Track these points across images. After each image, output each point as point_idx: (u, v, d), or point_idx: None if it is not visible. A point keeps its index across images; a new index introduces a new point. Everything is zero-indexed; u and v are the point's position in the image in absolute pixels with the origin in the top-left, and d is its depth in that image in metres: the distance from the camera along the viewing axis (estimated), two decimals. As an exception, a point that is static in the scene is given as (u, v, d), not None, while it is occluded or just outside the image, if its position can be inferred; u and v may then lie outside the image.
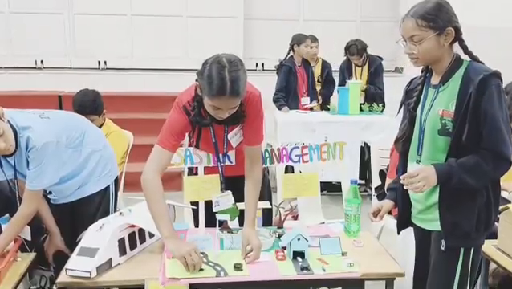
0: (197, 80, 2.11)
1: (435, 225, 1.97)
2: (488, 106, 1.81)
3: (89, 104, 3.13)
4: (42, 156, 2.19)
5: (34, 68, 6.39)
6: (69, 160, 2.38)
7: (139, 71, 6.38)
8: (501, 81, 1.86)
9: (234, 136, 2.34)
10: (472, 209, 1.90)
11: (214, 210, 2.32)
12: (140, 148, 3.43)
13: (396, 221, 2.23)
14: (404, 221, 2.16)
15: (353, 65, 5.28)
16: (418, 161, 2.00)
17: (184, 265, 1.99)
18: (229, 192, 2.39)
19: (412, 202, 2.07)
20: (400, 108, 2.17)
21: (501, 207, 2.44)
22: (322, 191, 2.71)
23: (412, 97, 2.04)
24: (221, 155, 2.39)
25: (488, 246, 2.44)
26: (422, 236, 2.08)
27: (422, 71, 2.04)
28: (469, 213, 1.90)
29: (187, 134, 2.40)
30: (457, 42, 1.92)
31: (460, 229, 1.91)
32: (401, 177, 1.92)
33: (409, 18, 1.88)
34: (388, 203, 2.22)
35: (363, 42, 5.19)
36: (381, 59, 5.37)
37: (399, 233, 2.21)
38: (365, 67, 5.26)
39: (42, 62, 6.41)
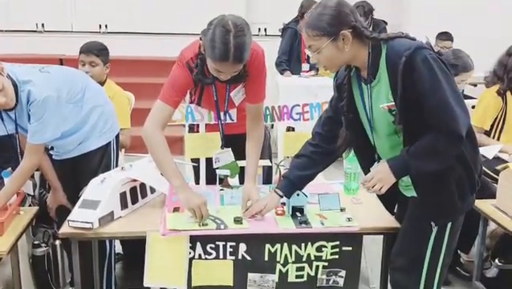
0: (201, 39, 2.08)
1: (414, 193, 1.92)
2: (421, 86, 1.68)
3: (96, 47, 3.07)
4: (43, 110, 2.19)
5: (35, 32, 6.34)
6: (70, 115, 2.38)
7: (140, 35, 6.32)
8: (431, 47, 1.73)
9: (237, 94, 2.33)
10: (448, 187, 1.82)
11: (214, 166, 2.33)
12: (141, 112, 3.41)
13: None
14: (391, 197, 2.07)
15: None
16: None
17: (192, 215, 2.02)
18: (229, 149, 2.39)
19: None
20: (330, 103, 2.05)
21: (500, 166, 2.46)
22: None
23: (343, 97, 1.92)
24: (222, 113, 2.39)
25: (486, 205, 2.47)
26: (404, 201, 2.02)
27: (345, 70, 1.91)
28: (448, 191, 1.83)
29: (188, 91, 2.40)
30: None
31: (443, 208, 1.87)
32: (360, 184, 1.89)
33: (304, 28, 1.78)
34: (273, 199, 2.08)
35: (369, 4, 5.10)
36: (385, 23, 5.31)
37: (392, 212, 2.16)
38: (369, 32, 5.19)
39: (43, 25, 6.35)
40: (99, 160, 2.51)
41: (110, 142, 2.56)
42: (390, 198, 2.08)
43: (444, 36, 5.29)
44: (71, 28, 6.37)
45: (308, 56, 5.63)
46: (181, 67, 2.17)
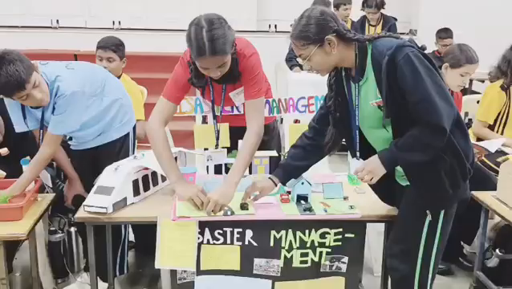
0: None
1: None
2: (403, 82, 1.76)
3: (114, 43, 3.17)
4: (68, 104, 2.31)
5: (50, 28, 6.48)
6: (91, 107, 2.48)
7: (152, 32, 6.43)
8: (414, 43, 1.80)
9: (237, 96, 2.40)
10: (439, 175, 1.89)
11: (206, 164, 2.43)
12: (152, 107, 3.52)
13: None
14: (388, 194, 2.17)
15: (367, 25, 5.28)
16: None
17: (192, 205, 2.10)
18: (225, 149, 2.48)
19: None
20: (325, 100, 2.14)
21: (501, 158, 2.52)
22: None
23: (330, 97, 2.03)
24: (217, 107, 2.45)
25: (488, 197, 2.53)
26: (401, 190, 2.09)
27: (334, 70, 2.02)
28: (439, 179, 1.90)
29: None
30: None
31: (436, 196, 1.94)
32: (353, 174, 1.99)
33: (291, 40, 1.90)
34: (267, 186, 2.16)
35: None
36: (395, 19, 5.37)
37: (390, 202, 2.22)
38: (379, 27, 5.26)
39: (57, 21, 6.50)
40: (118, 151, 2.60)
41: (128, 133, 2.67)
42: (387, 189, 2.16)
43: (444, 34, 5.28)
44: (85, 24, 6.51)
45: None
46: (183, 65, 2.27)
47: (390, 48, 1.78)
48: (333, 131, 2.06)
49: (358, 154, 2.05)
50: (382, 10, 5.27)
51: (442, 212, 1.96)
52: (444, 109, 1.77)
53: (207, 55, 2.01)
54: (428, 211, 1.95)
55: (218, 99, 2.42)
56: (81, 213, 2.12)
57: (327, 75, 2.05)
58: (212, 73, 2.12)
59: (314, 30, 1.84)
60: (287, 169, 2.18)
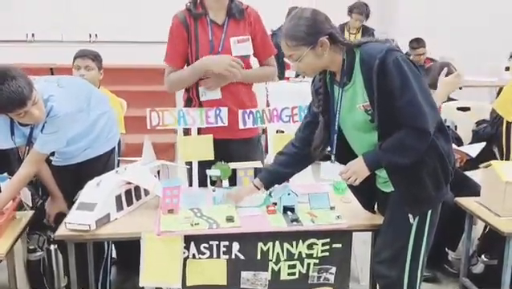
0: None
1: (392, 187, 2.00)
2: (392, 85, 1.78)
3: (91, 52, 3.14)
4: (59, 125, 2.26)
5: (26, 41, 6.38)
6: (78, 122, 2.42)
7: (129, 44, 6.38)
8: (398, 49, 1.84)
9: (237, 45, 2.46)
10: (423, 178, 1.89)
11: (201, 99, 2.51)
12: (130, 120, 3.50)
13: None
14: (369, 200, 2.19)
15: (346, 33, 5.36)
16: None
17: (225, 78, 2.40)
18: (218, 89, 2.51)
19: (376, 172, 2.06)
20: (309, 109, 2.16)
21: (483, 165, 2.54)
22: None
23: (319, 100, 2.04)
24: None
25: (471, 203, 2.56)
26: (384, 197, 2.10)
27: (320, 74, 2.03)
28: (423, 182, 1.90)
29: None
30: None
31: (421, 199, 1.94)
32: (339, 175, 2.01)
33: (282, 39, 1.89)
34: (245, 188, 2.27)
35: (368, 7, 5.29)
36: (373, 29, 5.45)
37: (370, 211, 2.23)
38: (358, 35, 5.34)
39: (33, 35, 6.40)
40: (103, 166, 2.53)
41: (114, 147, 2.62)
42: (368, 196, 2.18)
43: (416, 44, 5.36)
44: (61, 38, 6.42)
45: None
46: (173, 22, 2.50)
47: (381, 51, 1.79)
48: (323, 134, 2.05)
49: (333, 157, 2.06)
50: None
51: (429, 214, 1.97)
52: (429, 113, 1.80)
53: None
54: (414, 214, 1.95)
55: (217, 44, 2.46)
56: (62, 231, 2.05)
57: (310, 82, 2.07)
58: None
59: (308, 30, 1.84)
60: (272, 175, 2.21)
